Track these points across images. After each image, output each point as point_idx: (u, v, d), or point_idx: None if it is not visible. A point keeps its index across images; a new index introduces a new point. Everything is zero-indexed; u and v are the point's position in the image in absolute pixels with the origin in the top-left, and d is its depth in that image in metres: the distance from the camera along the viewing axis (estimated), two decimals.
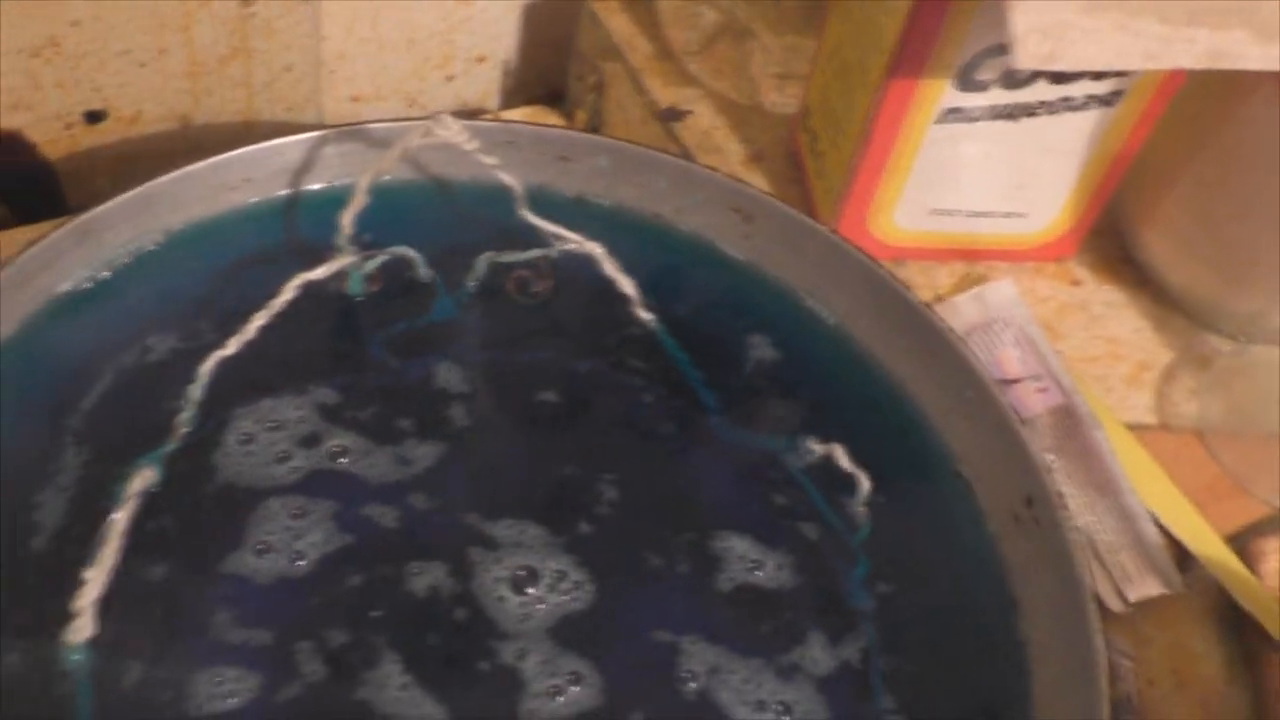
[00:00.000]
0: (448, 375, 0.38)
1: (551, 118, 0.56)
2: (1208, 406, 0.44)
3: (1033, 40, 0.34)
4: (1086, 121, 0.42)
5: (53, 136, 0.51)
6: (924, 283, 0.46)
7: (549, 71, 0.59)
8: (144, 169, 0.40)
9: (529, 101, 0.58)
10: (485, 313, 0.39)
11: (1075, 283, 0.47)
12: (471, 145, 0.36)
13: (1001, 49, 0.38)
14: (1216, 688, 0.39)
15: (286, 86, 0.54)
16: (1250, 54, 0.34)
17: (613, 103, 0.53)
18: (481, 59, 0.58)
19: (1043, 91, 0.41)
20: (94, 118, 0.51)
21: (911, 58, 0.40)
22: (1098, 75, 0.41)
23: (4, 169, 0.51)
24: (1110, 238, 0.48)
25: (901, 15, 0.39)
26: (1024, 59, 0.34)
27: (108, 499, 0.33)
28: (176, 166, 0.39)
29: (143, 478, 0.33)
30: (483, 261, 0.39)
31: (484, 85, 0.59)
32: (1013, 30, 0.34)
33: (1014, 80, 0.41)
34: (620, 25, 0.53)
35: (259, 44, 0.52)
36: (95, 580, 0.30)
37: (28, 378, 0.36)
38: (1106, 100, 0.42)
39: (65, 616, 0.31)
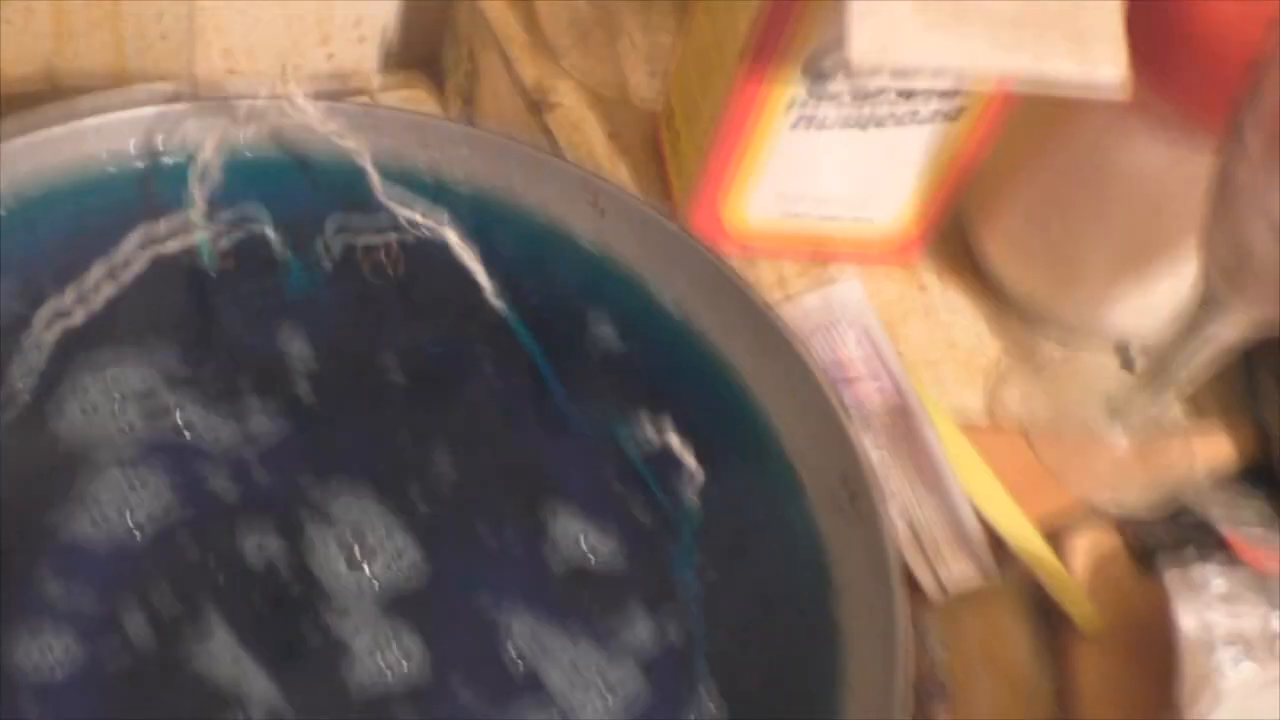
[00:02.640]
0: (298, 349, 0.38)
1: (426, 90, 0.56)
2: (1035, 408, 0.46)
3: (866, 36, 0.35)
4: (931, 134, 0.44)
5: None
6: (774, 281, 0.47)
7: (427, 42, 0.59)
8: None
9: (406, 67, 0.58)
10: (338, 290, 0.40)
11: (921, 287, 0.49)
12: (327, 127, 0.36)
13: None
14: (1026, 674, 0.41)
15: (160, 54, 0.54)
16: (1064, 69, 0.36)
17: (485, 87, 0.54)
18: (359, 26, 0.58)
19: (891, 104, 0.43)
20: None
21: (762, 52, 0.41)
22: (943, 93, 0.43)
23: None
24: (957, 247, 0.50)
25: (753, 11, 0.40)
26: (855, 54, 0.35)
27: None
28: None
29: None
30: (338, 240, 0.39)
31: (360, 53, 0.59)
32: (846, 26, 0.35)
33: (863, 93, 0.42)
34: (497, 12, 0.53)
35: (130, 6, 0.51)
36: None
37: None
38: (950, 115, 0.44)
39: None
